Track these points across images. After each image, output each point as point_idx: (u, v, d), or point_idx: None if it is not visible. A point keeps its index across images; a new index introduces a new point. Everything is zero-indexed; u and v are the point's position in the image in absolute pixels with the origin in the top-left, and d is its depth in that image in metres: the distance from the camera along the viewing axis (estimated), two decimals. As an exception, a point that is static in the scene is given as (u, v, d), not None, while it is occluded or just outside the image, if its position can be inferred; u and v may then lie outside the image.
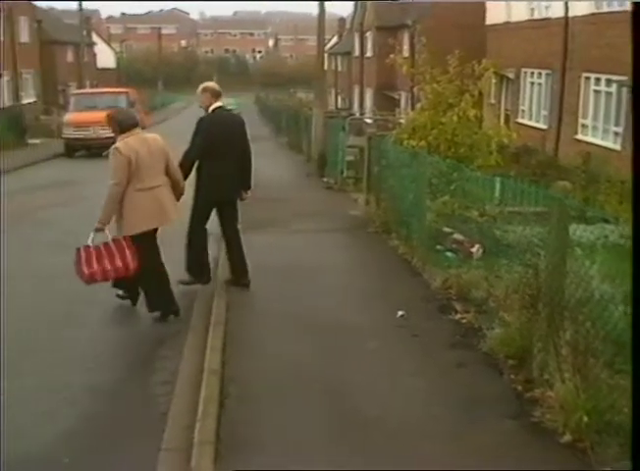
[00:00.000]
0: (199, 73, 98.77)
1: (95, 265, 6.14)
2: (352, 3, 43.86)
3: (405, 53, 29.00)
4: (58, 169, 19.58)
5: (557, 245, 4.51)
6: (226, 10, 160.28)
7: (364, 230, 10.04)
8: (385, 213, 9.87)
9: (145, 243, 6.40)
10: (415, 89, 13.24)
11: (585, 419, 3.90)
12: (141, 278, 6.46)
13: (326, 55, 24.08)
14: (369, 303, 6.89)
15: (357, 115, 30.25)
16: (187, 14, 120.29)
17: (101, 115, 24.89)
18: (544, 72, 20.25)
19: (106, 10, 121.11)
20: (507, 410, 4.44)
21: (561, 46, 18.43)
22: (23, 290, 7.54)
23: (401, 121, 16.01)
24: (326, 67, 22.53)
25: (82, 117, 22.41)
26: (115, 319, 6.72)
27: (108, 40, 70.72)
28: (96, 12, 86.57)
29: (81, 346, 5.96)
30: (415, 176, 8.30)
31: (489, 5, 24.62)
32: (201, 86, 7.30)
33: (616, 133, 15.71)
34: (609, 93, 16.30)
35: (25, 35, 37.32)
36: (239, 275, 7.39)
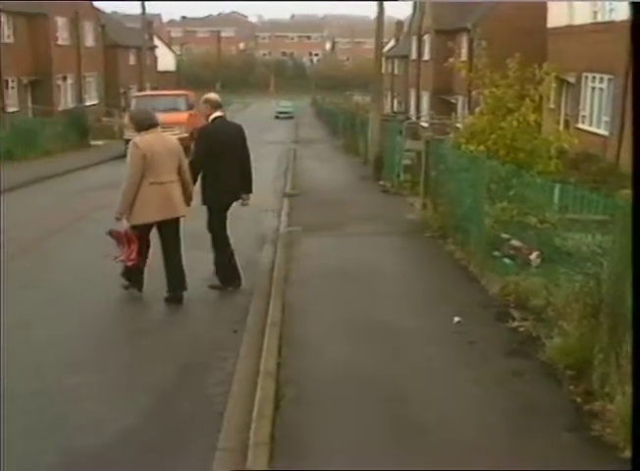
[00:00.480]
0: (257, 75, 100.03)
1: (125, 248, 6.88)
2: (411, 6, 43.62)
3: (463, 56, 28.76)
4: (118, 170, 19.92)
5: (620, 255, 4.40)
6: (284, 13, 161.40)
7: (420, 234, 9.98)
8: (442, 217, 9.80)
9: (164, 231, 7.06)
10: (473, 93, 13.09)
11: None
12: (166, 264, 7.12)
13: (383, 58, 23.97)
14: (425, 308, 6.85)
15: (413, 119, 30.12)
16: (246, 17, 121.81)
17: (161, 117, 25.40)
18: (606, 76, 19.79)
19: (167, 14, 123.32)
20: (566, 422, 4.35)
21: (625, 50, 17.99)
22: (72, 287, 7.74)
23: (459, 125, 15.88)
24: (383, 70, 22.43)
25: (143, 119, 22.89)
26: (173, 320, 6.81)
27: (169, 44, 71.98)
28: (158, 16, 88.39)
29: (140, 346, 6.08)
30: (473, 180, 8.22)
31: (551, 8, 24.18)
32: (203, 98, 7.71)
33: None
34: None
35: (89, 39, 38.34)
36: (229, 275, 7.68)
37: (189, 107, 24.51)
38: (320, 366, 5.37)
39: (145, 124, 6.96)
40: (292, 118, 54.09)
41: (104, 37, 40.72)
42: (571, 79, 21.74)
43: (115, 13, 59.94)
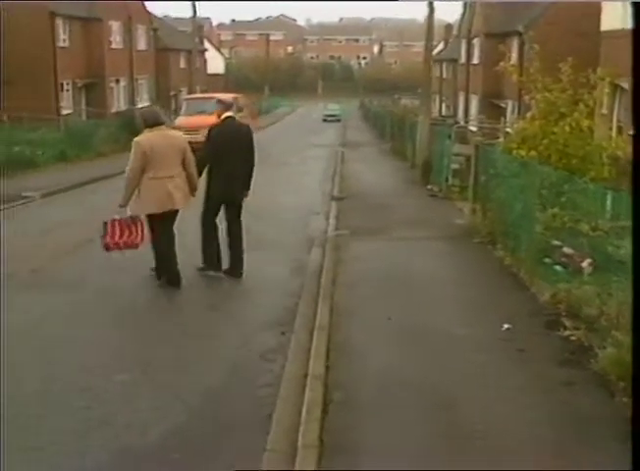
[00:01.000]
0: (305, 78, 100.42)
1: (116, 236, 7.36)
2: (460, 9, 43.29)
3: (514, 60, 28.39)
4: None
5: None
6: (332, 16, 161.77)
7: (469, 239, 9.91)
8: (491, 223, 9.71)
9: (158, 223, 7.54)
10: (525, 98, 12.91)
11: None
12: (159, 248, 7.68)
13: (431, 61, 23.90)
14: (474, 314, 6.79)
15: (462, 122, 29.86)
16: (294, 20, 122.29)
17: (210, 119, 25.73)
18: (662, 81, 19.33)
19: (217, 17, 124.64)
20: (618, 434, 4.27)
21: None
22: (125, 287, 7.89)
23: (509, 130, 15.68)
24: (431, 73, 22.33)
25: (192, 121, 23.15)
26: (221, 321, 6.86)
27: (218, 47, 72.78)
28: (208, 19, 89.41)
29: (188, 346, 6.14)
30: (524, 186, 8.13)
31: (604, 11, 23.73)
32: (216, 98, 8.66)
33: None
34: None
35: (141, 43, 39.05)
36: (235, 265, 8.09)
37: (239, 110, 24.75)
38: (368, 370, 5.38)
39: (150, 121, 7.54)
40: (339, 121, 54.16)
41: (156, 41, 41.45)
42: (625, 85, 21.30)
43: (166, 17, 60.82)
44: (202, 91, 37.71)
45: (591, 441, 4.27)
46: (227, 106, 8.19)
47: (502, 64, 12.27)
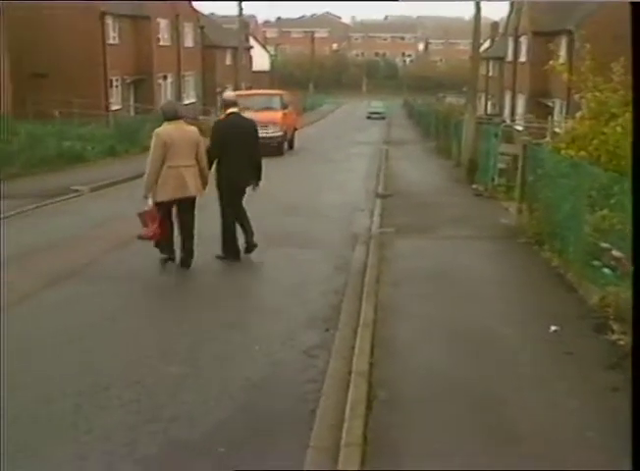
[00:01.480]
0: (349, 76, 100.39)
1: (150, 225, 7.95)
2: (506, 8, 42.75)
3: (562, 59, 27.94)
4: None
5: None
6: (377, 14, 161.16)
7: (515, 239, 9.81)
8: (538, 223, 9.59)
9: (178, 208, 8.17)
10: (575, 97, 12.70)
11: None
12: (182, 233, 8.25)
13: (478, 59, 23.67)
14: (520, 315, 6.73)
15: (508, 121, 29.48)
16: (339, 18, 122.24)
17: (256, 116, 25.80)
18: None
19: (263, 15, 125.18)
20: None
21: None
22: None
23: (557, 130, 15.47)
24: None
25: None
26: (266, 317, 6.91)
27: (264, 44, 73.12)
28: (253, 17, 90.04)
29: (233, 340, 6.20)
30: (573, 187, 8.01)
31: (658, 8, 23.19)
32: (223, 96, 9.60)
33: None
34: None
35: (189, 40, 39.49)
36: (248, 239, 8.76)
37: (284, 106, 24.86)
38: (412, 369, 5.37)
39: (169, 115, 8.16)
40: (383, 118, 54.01)
41: (202, 38, 41.86)
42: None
43: (213, 14, 61.32)
44: (247, 88, 37.92)
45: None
46: (230, 103, 8.82)
47: (551, 62, 12.09)
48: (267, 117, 23.22)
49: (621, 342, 5.77)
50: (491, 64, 48.29)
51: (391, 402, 4.76)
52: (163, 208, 8.09)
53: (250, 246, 8.76)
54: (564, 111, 28.16)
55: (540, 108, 33.11)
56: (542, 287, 7.68)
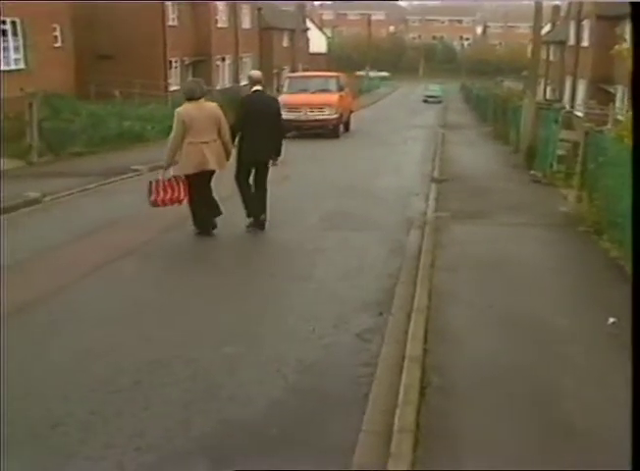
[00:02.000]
0: (406, 59, 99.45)
1: (161, 193, 8.53)
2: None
3: (626, 44, 27.10)
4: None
5: None
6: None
7: (573, 228, 9.62)
8: (598, 212, 9.38)
9: (198, 181, 8.63)
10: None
11: None
12: (194, 205, 8.81)
13: (539, 43, 23.15)
14: (577, 305, 6.62)
15: (567, 107, 28.84)
16: (396, 0, 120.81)
17: (312, 98, 25.72)
18: None
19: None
20: None
21: None
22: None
23: (619, 117, 15.04)
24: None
25: (295, 99, 23.29)
26: (321, 300, 6.89)
27: (320, 26, 72.89)
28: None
29: (288, 322, 6.24)
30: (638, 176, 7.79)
31: None
32: (250, 72, 9.97)
33: None
34: None
35: (246, 22, 39.70)
36: (258, 214, 9.26)
37: (340, 88, 24.77)
38: (466, 356, 5.34)
39: (189, 95, 8.69)
40: (440, 102, 53.34)
41: (260, 20, 41.97)
42: None
43: (271, -5, 61.31)
44: (304, 70, 37.96)
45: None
46: (255, 80, 9.29)
47: (617, 47, 11.74)
48: (323, 99, 23.21)
49: (683, 336, 5.62)
50: (551, 48, 47.23)
51: (444, 389, 4.75)
52: (191, 180, 8.62)
53: (261, 223, 9.27)
54: (627, 97, 27.39)
55: (601, 94, 32.27)
56: (600, 277, 7.52)
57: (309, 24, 59.20)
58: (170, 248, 8.78)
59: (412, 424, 4.25)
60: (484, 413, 4.45)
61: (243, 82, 37.20)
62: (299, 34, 42.20)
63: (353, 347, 5.64)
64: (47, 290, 6.86)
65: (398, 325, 6.04)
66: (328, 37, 72.07)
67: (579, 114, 26.12)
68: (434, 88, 59.55)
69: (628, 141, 9.57)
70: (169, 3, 30.99)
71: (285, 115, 24.12)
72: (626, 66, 11.68)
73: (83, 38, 26.72)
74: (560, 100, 38.66)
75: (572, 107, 31.50)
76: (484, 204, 11.56)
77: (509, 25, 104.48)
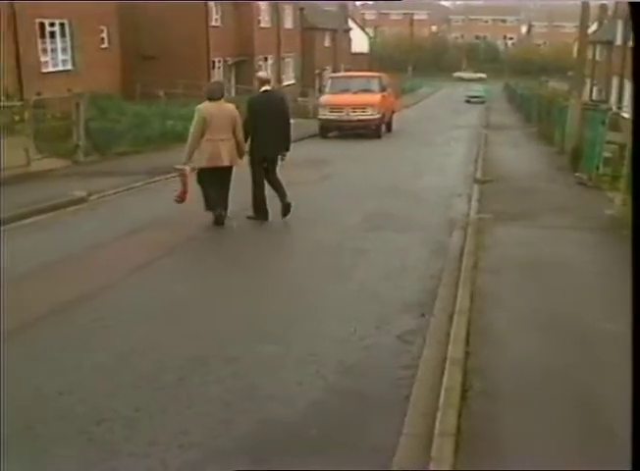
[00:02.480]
0: (448, 58, 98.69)
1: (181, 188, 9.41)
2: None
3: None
4: (312, 148, 20.20)
5: None
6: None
7: (619, 231, 9.41)
8: (645, 216, 9.18)
9: (215, 176, 9.31)
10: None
11: None
12: (206, 194, 9.50)
13: (586, 43, 22.79)
14: (623, 311, 6.44)
15: (614, 108, 28.27)
16: (439, 0, 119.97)
17: (354, 98, 25.60)
18: None
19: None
20: None
21: None
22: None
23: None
24: (585, 55, 21.31)
25: (337, 99, 23.30)
26: (362, 301, 6.88)
27: (362, 26, 72.75)
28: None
29: (326, 322, 6.24)
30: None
31: None
32: (258, 73, 10.84)
33: None
34: None
35: (288, 22, 39.81)
36: (282, 201, 9.89)
37: (382, 89, 24.68)
38: (509, 359, 5.27)
39: (210, 95, 9.30)
40: (483, 102, 52.84)
41: (302, 20, 42.07)
42: None
43: (313, -5, 61.39)
44: (346, 70, 37.90)
45: None
46: (264, 81, 9.89)
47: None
48: (365, 99, 23.15)
49: None
50: (598, 48, 46.37)
51: (486, 392, 4.69)
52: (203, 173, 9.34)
53: (285, 207, 9.83)
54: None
55: (650, 94, 31.51)
56: (648, 281, 7.36)
57: (351, 23, 59.12)
58: (211, 246, 8.91)
59: (454, 427, 4.20)
60: (526, 418, 4.39)
61: (286, 83, 37.42)
62: (341, 34, 42.12)
63: (394, 349, 5.61)
64: (92, 288, 6.99)
65: (439, 327, 6.00)
66: (370, 37, 71.88)
67: (626, 115, 25.57)
68: (477, 88, 59.07)
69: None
70: (212, 3, 31.27)
71: (327, 115, 24.51)
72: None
73: (128, 39, 27.12)
74: (607, 101, 37.93)
75: (619, 108, 30.85)
76: (528, 206, 11.41)
77: (554, 24, 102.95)
